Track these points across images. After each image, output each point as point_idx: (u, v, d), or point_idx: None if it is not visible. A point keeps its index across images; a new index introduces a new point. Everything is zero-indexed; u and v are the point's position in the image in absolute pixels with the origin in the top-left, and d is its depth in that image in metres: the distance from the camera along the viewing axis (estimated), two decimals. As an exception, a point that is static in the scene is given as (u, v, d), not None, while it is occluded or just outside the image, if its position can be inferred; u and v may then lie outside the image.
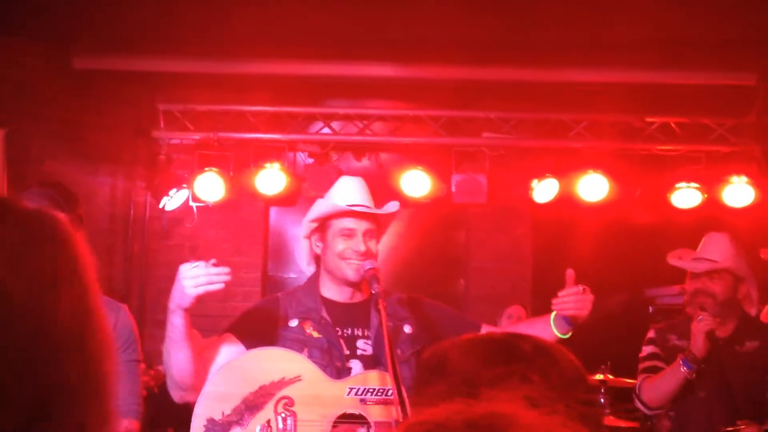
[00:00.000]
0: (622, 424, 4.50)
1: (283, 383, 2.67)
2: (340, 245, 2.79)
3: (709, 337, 3.21)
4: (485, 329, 2.90)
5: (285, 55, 5.69)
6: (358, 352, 2.76)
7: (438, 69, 5.88)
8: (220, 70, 5.80)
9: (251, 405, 2.66)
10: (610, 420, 4.78)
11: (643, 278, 5.96)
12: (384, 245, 6.36)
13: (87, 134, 5.96)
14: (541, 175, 6.08)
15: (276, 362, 2.70)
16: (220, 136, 6.00)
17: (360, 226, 2.80)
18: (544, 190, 6.09)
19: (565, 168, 6.09)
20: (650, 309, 5.99)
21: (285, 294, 2.91)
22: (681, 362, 3.25)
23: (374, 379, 2.69)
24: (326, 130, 6.30)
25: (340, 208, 2.81)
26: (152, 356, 4.73)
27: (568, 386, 1.22)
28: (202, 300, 6.61)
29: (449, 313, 2.98)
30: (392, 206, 2.93)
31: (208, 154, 5.99)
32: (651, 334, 3.58)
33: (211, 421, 2.64)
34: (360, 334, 2.79)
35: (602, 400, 4.80)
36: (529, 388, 1.11)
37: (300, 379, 2.68)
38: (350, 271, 2.77)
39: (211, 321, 6.13)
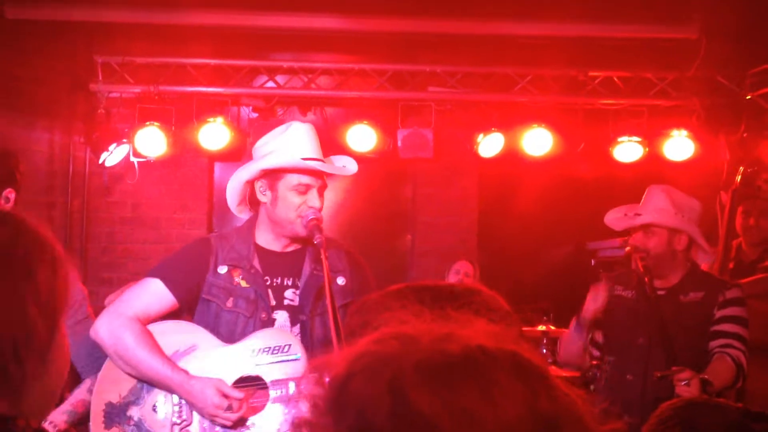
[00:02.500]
0: (565, 373, 4.60)
1: (177, 355, 2.64)
2: (295, 200, 2.69)
3: (596, 300, 3.38)
4: None
5: (228, 5, 5.55)
6: (285, 302, 2.73)
7: (383, 21, 5.81)
8: (160, 21, 5.62)
9: (147, 383, 2.64)
10: (552, 370, 4.89)
11: (586, 231, 6.07)
12: (330, 201, 6.35)
13: (21, 87, 5.75)
14: (486, 130, 6.10)
15: (168, 335, 2.66)
16: (161, 89, 5.85)
17: (316, 183, 2.73)
18: (490, 145, 6.11)
19: (510, 122, 6.12)
20: (592, 262, 6.12)
21: (217, 237, 2.83)
22: (574, 323, 3.43)
23: (270, 336, 2.66)
24: (271, 83, 6.19)
25: (303, 164, 2.70)
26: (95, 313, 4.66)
27: (504, 317, 1.26)
28: (144, 258, 6.50)
29: (367, 286, 2.87)
30: (352, 166, 2.89)
31: (149, 108, 5.84)
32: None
33: (109, 405, 2.62)
34: (289, 284, 2.75)
35: (544, 351, 4.91)
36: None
37: (195, 349, 2.65)
38: (301, 228, 2.71)
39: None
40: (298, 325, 2.71)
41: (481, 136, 6.12)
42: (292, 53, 6.29)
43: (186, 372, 2.59)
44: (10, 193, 2.63)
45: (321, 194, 2.74)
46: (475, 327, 0.83)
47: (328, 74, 6.22)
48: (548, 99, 6.11)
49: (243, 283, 2.70)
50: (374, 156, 6.16)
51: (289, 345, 2.62)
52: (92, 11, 5.53)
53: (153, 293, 2.68)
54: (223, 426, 2.57)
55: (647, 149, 5.98)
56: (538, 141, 6.00)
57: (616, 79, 6.14)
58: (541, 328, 4.99)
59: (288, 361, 2.62)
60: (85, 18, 5.58)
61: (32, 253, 1.14)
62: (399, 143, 6.09)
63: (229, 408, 2.55)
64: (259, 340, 2.65)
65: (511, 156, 6.12)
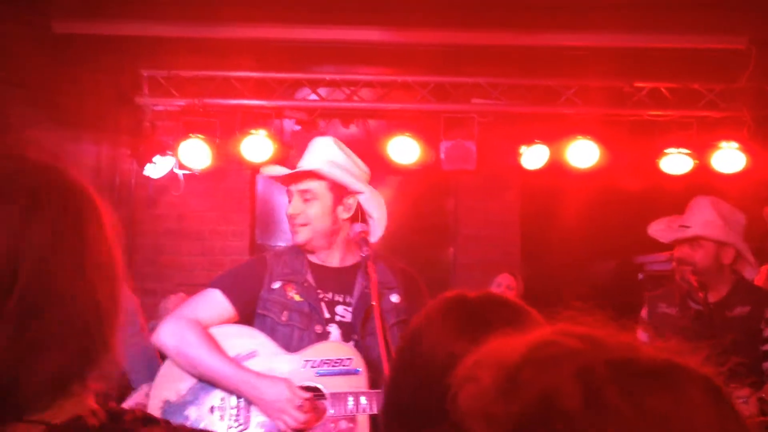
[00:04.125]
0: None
1: (238, 359, 2.62)
2: (287, 207, 2.77)
3: None
4: None
5: (271, 19, 5.59)
6: (337, 318, 2.69)
7: (426, 33, 5.80)
8: (204, 35, 5.70)
9: (206, 384, 2.63)
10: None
11: (632, 245, 5.96)
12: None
13: (68, 101, 5.86)
14: (530, 142, 6.04)
15: (230, 339, 2.65)
16: (206, 102, 5.91)
17: (294, 188, 2.73)
18: (534, 157, 6.05)
19: (555, 134, 6.04)
20: (640, 276, 6.00)
21: (272, 255, 2.83)
22: None
23: (330, 349, 2.63)
24: (313, 96, 6.21)
25: (267, 172, 2.80)
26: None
27: None
28: (188, 269, 6.55)
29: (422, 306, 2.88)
30: (307, 164, 2.77)
31: (194, 121, 5.90)
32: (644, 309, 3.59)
33: (167, 402, 2.60)
34: (340, 299, 2.72)
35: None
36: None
37: (255, 355, 2.63)
38: (293, 234, 2.73)
39: (199, 290, 6.08)
40: (351, 343, 2.68)
41: (524, 148, 6.06)
42: (335, 65, 6.31)
43: (251, 371, 2.58)
44: None
45: (305, 199, 2.70)
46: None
47: (370, 86, 6.22)
48: (593, 110, 6.02)
49: (297, 297, 2.68)
50: (417, 168, 6.13)
51: (351, 359, 2.60)
52: (139, 26, 5.63)
53: (214, 303, 2.68)
54: (288, 425, 2.52)
55: (696, 161, 5.86)
56: (583, 153, 5.91)
57: (663, 90, 6.03)
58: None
59: (348, 374, 2.59)
60: (132, 33, 5.68)
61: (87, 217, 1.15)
62: (442, 155, 6.05)
63: (300, 407, 2.52)
64: (319, 351, 2.63)
65: (555, 168, 6.05)
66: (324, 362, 2.59)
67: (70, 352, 1.02)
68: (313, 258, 2.78)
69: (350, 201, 2.73)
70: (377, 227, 2.78)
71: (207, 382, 2.61)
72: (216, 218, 6.28)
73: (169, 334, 2.62)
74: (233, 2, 5.32)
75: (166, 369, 2.66)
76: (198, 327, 2.62)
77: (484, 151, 6.13)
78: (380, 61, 6.30)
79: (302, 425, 2.51)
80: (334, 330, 2.70)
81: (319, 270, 2.75)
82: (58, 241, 1.04)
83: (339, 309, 2.71)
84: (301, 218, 2.71)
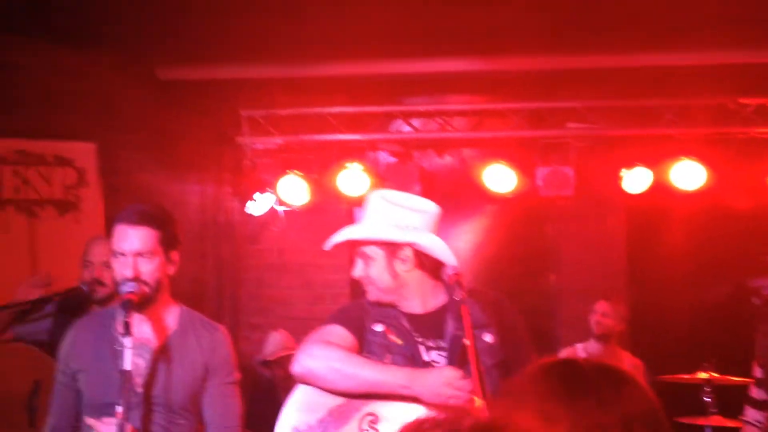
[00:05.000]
0: (730, 424, 4.27)
1: (370, 398, 2.59)
2: None
3: None
4: None
5: (362, 55, 5.67)
6: (433, 363, 2.66)
7: (518, 60, 5.75)
8: (299, 74, 5.83)
9: (336, 418, 2.60)
10: (717, 420, 4.55)
11: (745, 268, 5.67)
12: (468, 242, 6.31)
13: (173, 143, 6.10)
14: (631, 165, 5.88)
15: None
16: (302, 138, 6.03)
17: (358, 251, 2.77)
18: (636, 180, 5.87)
19: (657, 156, 5.86)
20: (756, 301, 5.69)
21: (368, 301, 2.83)
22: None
23: None
24: (407, 127, 6.25)
25: (332, 240, 2.83)
26: (245, 358, 4.78)
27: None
28: (290, 303, 6.67)
29: (526, 341, 2.78)
30: (348, 232, 2.81)
31: (292, 158, 6.03)
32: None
33: (296, 430, 2.61)
34: (433, 345, 2.69)
35: (708, 400, 4.58)
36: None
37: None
38: (368, 294, 2.77)
39: (300, 323, 6.18)
40: None
41: (625, 171, 5.90)
42: (427, 96, 6.33)
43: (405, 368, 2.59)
44: (175, 254, 2.75)
45: (365, 262, 2.74)
46: None
47: (463, 115, 6.21)
48: (697, 130, 5.81)
49: (398, 341, 2.68)
50: (513, 195, 6.07)
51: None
52: (236, 69, 5.82)
53: (337, 335, 2.69)
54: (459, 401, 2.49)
55: (812, 178, 5.56)
56: (688, 174, 5.70)
57: (771, 105, 5.76)
58: (703, 375, 4.65)
59: None
60: (230, 76, 5.88)
61: None
62: (539, 182, 5.96)
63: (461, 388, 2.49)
64: None
65: (660, 190, 5.85)
66: None
67: None
68: (398, 307, 2.77)
69: (405, 253, 2.70)
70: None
71: (362, 393, 2.57)
72: (316, 252, 6.30)
73: (313, 356, 2.61)
74: (325, 41, 5.43)
75: (299, 395, 2.66)
76: (337, 345, 2.63)
77: (583, 175, 6.00)
78: (472, 89, 6.29)
79: (468, 399, 2.47)
80: None
81: (410, 317, 2.74)
82: None
83: (433, 354, 2.68)
84: (365, 280, 2.75)
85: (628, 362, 5.38)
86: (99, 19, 5.06)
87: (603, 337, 5.31)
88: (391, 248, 2.70)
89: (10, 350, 3.58)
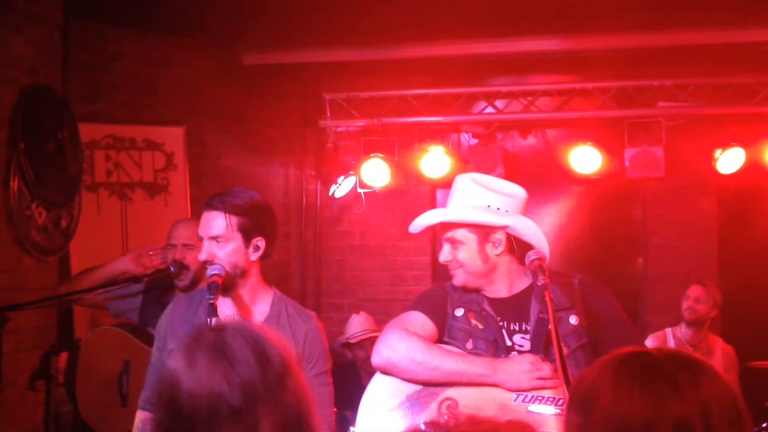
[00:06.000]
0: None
1: (449, 384, 2.59)
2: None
3: None
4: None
5: (444, 36, 5.62)
6: (516, 347, 2.63)
7: (605, 38, 5.59)
8: (380, 57, 5.83)
9: (415, 403, 2.60)
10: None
11: None
12: (551, 225, 6.20)
13: (258, 127, 6.21)
14: (725, 144, 5.66)
15: None
16: (384, 121, 6.04)
17: (444, 235, 2.71)
18: (729, 160, 5.66)
19: (752, 135, 5.62)
20: None
21: (450, 285, 2.81)
22: None
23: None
24: (490, 109, 6.17)
25: (418, 224, 2.79)
26: (329, 339, 4.84)
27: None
28: (371, 284, 6.71)
29: (616, 318, 2.71)
30: (441, 214, 2.74)
31: (373, 140, 6.05)
32: None
33: (376, 414, 2.61)
34: (517, 328, 2.65)
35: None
36: None
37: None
38: (452, 278, 2.72)
39: (382, 305, 6.23)
40: None
41: (719, 151, 5.69)
42: (510, 77, 6.23)
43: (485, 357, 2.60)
44: (260, 241, 2.78)
45: (453, 246, 2.68)
46: None
47: (548, 95, 6.09)
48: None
49: (479, 325, 2.66)
50: (600, 177, 5.92)
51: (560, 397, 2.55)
52: (319, 53, 5.87)
53: (418, 322, 2.70)
54: (543, 386, 2.50)
55: None
56: (785, 153, 5.46)
57: None
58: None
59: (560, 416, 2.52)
60: (313, 60, 5.93)
61: None
62: (627, 163, 5.81)
63: (541, 369, 2.51)
64: None
65: (754, 170, 5.61)
66: (536, 398, 2.52)
67: None
68: (483, 292, 2.74)
69: (497, 236, 2.66)
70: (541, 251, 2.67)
71: (444, 382, 2.58)
72: (398, 234, 6.37)
73: (394, 348, 2.62)
74: (407, 24, 5.40)
75: (380, 380, 2.67)
76: (419, 335, 2.64)
77: (674, 156, 5.81)
78: (557, 68, 6.16)
79: (550, 382, 2.48)
80: None
81: (493, 301, 2.71)
82: None
83: (516, 338, 2.65)
84: (452, 264, 2.70)
85: (720, 348, 5.21)
86: (187, 8, 5.18)
87: (695, 323, 5.15)
88: (484, 232, 2.66)
89: (102, 334, 3.74)
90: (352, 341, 5.45)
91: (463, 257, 2.68)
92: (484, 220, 2.65)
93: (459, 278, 2.71)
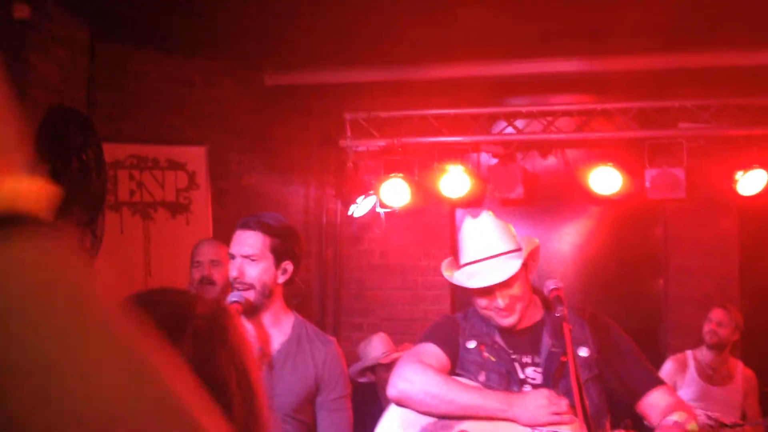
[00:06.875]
0: None
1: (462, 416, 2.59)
2: (478, 302, 2.69)
3: None
4: (664, 393, 2.61)
5: (464, 57, 5.65)
6: (528, 380, 2.63)
7: (626, 59, 5.59)
8: (401, 77, 5.87)
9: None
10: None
11: None
12: (572, 245, 6.20)
13: (279, 147, 6.27)
14: (746, 166, 5.62)
15: None
16: (404, 141, 6.07)
17: (492, 290, 2.65)
18: (751, 182, 5.62)
19: (773, 156, 5.59)
20: None
21: (461, 316, 2.83)
22: None
23: None
24: (509, 129, 6.19)
25: (456, 282, 2.71)
26: (348, 358, 4.85)
27: None
28: (391, 303, 6.71)
29: (634, 358, 2.68)
30: (507, 270, 2.65)
31: (393, 160, 6.08)
32: None
33: None
34: (529, 361, 2.65)
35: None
36: None
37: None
38: (499, 321, 2.67)
39: (402, 324, 6.24)
40: None
41: (740, 173, 5.66)
42: (530, 97, 6.25)
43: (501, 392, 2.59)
44: (288, 265, 2.82)
45: (504, 290, 2.63)
46: None
47: (568, 115, 6.09)
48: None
49: (492, 358, 2.66)
50: (620, 198, 5.91)
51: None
52: (341, 74, 5.92)
53: (432, 353, 2.70)
54: (562, 423, 2.47)
55: None
56: (808, 175, 5.42)
57: None
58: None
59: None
60: (335, 80, 5.98)
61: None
62: (647, 184, 5.79)
63: (558, 405, 2.49)
64: None
65: (776, 193, 5.57)
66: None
67: None
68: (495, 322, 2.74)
69: (532, 264, 2.75)
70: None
71: (459, 416, 2.58)
72: (417, 254, 6.39)
73: (409, 381, 2.61)
74: (427, 45, 5.45)
75: (394, 412, 2.67)
76: (434, 367, 2.63)
77: (695, 177, 5.78)
78: (577, 89, 6.17)
79: (566, 417, 2.46)
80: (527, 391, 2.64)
81: (504, 332, 2.71)
82: None
83: (529, 371, 2.65)
84: (510, 306, 2.66)
85: (741, 372, 5.16)
86: (211, 30, 5.26)
87: (716, 347, 5.11)
88: (528, 267, 2.72)
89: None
90: (383, 362, 5.40)
91: (517, 294, 2.66)
92: (516, 269, 2.64)
93: (515, 316, 2.66)
